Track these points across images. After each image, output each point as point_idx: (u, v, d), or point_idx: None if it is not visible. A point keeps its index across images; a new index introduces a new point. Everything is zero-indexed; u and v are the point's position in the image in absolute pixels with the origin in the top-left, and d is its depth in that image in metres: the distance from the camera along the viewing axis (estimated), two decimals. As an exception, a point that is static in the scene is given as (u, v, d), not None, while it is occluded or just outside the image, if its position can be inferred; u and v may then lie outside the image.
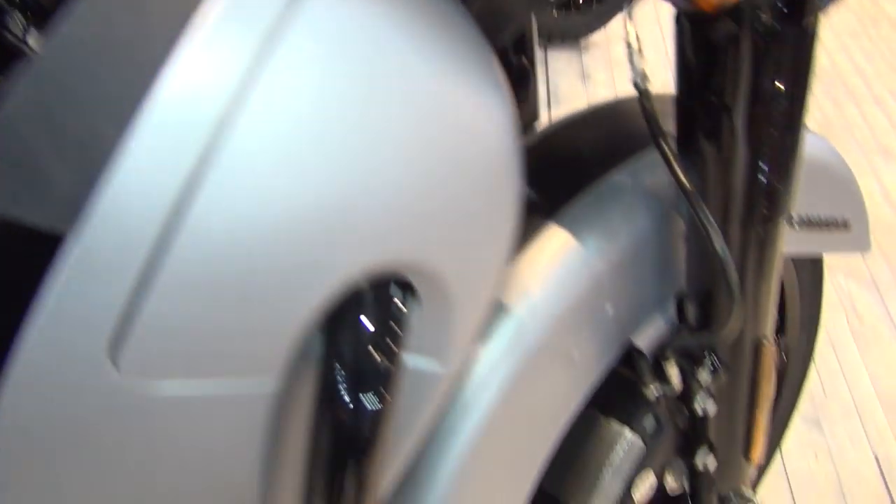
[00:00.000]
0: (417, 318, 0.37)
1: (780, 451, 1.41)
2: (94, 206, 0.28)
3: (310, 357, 0.35)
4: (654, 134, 0.51)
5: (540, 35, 2.28)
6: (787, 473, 1.37)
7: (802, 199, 0.76)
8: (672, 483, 0.79)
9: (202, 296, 0.29)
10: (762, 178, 0.53)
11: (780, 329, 0.95)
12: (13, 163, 0.28)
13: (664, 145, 0.51)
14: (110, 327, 0.29)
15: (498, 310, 0.59)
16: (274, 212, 0.30)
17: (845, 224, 0.84)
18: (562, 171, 0.64)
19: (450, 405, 0.57)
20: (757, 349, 0.63)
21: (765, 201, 0.54)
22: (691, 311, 0.62)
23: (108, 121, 0.29)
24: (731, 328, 0.56)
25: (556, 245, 0.59)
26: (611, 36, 2.58)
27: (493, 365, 0.57)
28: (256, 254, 0.29)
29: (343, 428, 0.34)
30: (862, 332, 1.76)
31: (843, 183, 0.81)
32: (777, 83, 0.50)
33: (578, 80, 2.45)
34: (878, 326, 1.79)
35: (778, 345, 0.96)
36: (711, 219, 0.50)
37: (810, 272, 0.89)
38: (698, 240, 0.58)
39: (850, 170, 0.83)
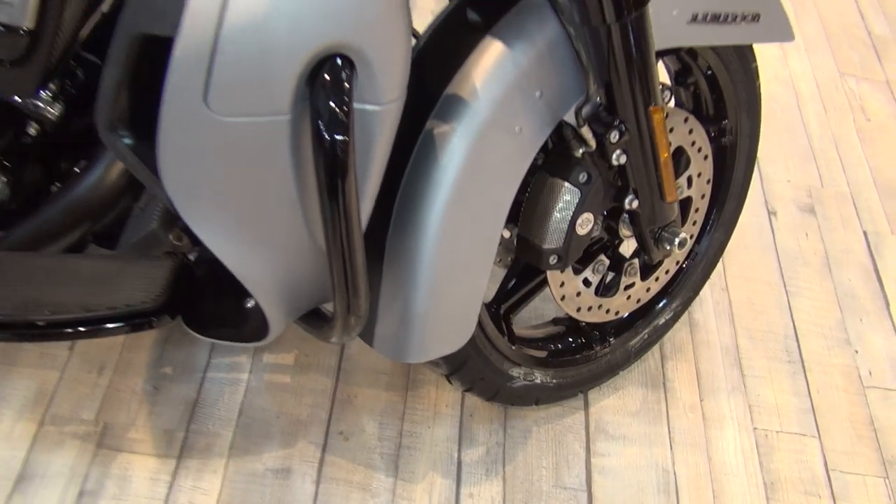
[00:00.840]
0: (358, 78, 0.65)
1: (773, 231, 1.64)
2: (182, 18, 0.57)
3: (306, 107, 0.64)
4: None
5: None
6: (776, 248, 1.60)
7: (704, -1, 0.97)
8: (625, 231, 1.07)
9: (240, 66, 0.59)
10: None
11: (723, 114, 1.17)
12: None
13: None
14: (202, 86, 0.59)
15: (455, 100, 0.86)
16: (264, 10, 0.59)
17: (755, 17, 1.04)
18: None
19: (428, 168, 0.86)
20: (647, 112, 0.88)
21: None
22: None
23: None
24: (591, 92, 0.82)
25: (490, 51, 0.85)
26: None
27: (458, 136, 0.85)
28: (260, 44, 0.58)
29: (326, 154, 0.64)
30: (868, 128, 1.91)
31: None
32: None
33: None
34: (885, 123, 1.93)
35: (722, 127, 1.19)
36: (575, 18, 0.76)
37: (737, 61, 1.11)
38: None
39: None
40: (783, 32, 1.10)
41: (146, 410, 1.19)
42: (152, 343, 1.27)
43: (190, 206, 0.68)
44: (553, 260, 0.97)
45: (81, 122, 0.93)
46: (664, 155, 0.93)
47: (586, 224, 0.97)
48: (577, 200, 0.94)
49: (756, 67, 1.15)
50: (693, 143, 1.09)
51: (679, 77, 1.15)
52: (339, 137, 0.64)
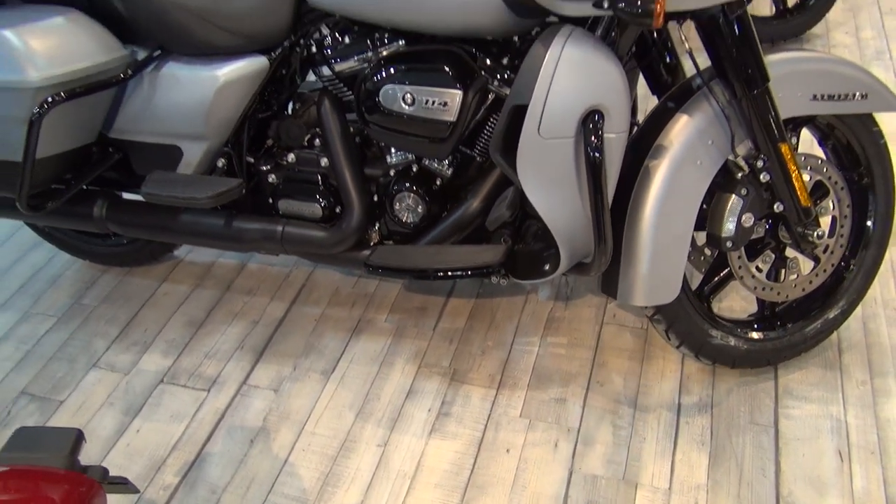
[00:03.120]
0: (605, 121, 1.38)
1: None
2: (532, 94, 1.36)
3: (581, 136, 1.39)
4: (694, 63, 1.47)
5: (763, 41, 3.04)
6: (946, 282, 2.00)
7: (821, 84, 1.59)
8: (784, 235, 1.65)
9: (555, 114, 1.36)
10: (745, 67, 1.44)
11: (858, 162, 1.73)
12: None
13: (695, 67, 1.46)
14: (538, 124, 1.37)
15: (662, 147, 1.55)
16: (566, 89, 1.37)
17: (864, 95, 1.63)
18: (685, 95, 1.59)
19: (648, 184, 1.55)
20: (778, 148, 1.50)
21: (752, 76, 1.44)
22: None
23: None
24: (740, 139, 1.47)
25: (682, 120, 1.54)
26: (829, 25, 3.24)
27: (665, 166, 1.54)
28: (563, 104, 1.35)
29: (590, 162, 1.37)
30: None
31: (851, 73, 1.60)
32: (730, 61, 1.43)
33: (808, 65, 3.15)
34: None
35: (860, 171, 1.76)
36: (726, 96, 1.44)
37: (861, 126, 1.67)
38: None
39: (856, 65, 1.62)
40: (890, 104, 1.66)
41: (478, 363, 1.93)
42: (468, 331, 2.03)
43: (531, 188, 1.44)
44: (728, 244, 1.59)
45: (458, 181, 1.77)
46: (794, 172, 1.53)
47: (748, 220, 1.58)
48: (741, 205, 1.57)
49: (878, 130, 1.71)
50: (830, 178, 1.66)
51: (823, 139, 1.74)
52: (596, 154, 1.38)
